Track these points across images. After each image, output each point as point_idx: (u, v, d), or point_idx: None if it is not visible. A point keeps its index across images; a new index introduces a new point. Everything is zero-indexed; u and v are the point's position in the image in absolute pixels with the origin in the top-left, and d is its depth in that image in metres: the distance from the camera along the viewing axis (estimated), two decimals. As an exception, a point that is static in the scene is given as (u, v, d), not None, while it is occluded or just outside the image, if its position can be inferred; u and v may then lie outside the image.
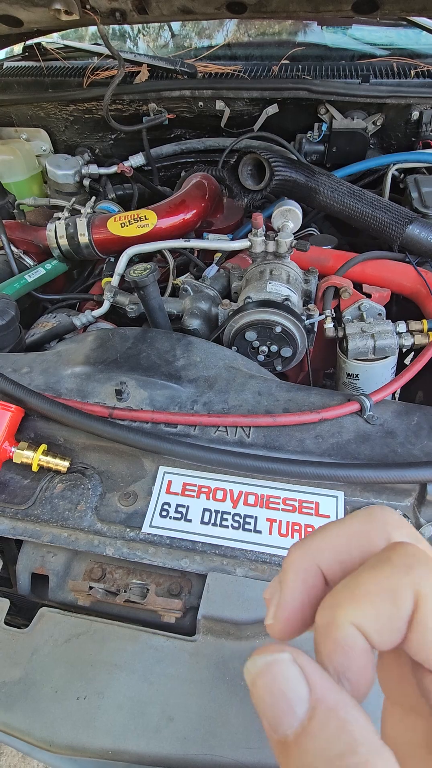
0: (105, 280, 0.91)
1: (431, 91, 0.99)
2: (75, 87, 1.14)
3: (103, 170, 1.14)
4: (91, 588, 0.46)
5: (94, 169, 1.13)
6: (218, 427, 0.55)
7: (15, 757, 1.25)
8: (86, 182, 1.13)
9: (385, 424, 0.55)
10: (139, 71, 1.11)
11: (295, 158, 1.01)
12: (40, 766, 1.20)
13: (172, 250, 0.97)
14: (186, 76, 1.10)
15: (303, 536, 0.49)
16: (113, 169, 1.13)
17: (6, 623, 0.48)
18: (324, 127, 1.05)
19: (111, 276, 0.87)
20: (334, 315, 0.77)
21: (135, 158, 1.15)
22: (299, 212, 0.82)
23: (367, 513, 0.19)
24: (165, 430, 0.55)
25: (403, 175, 1.00)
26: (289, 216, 0.82)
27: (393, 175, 1.00)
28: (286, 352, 0.71)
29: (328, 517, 0.50)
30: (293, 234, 0.78)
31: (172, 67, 1.10)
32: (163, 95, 1.09)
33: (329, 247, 0.90)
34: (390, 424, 0.55)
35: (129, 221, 0.86)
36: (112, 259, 0.96)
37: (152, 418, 0.54)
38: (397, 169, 1.01)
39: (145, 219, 0.86)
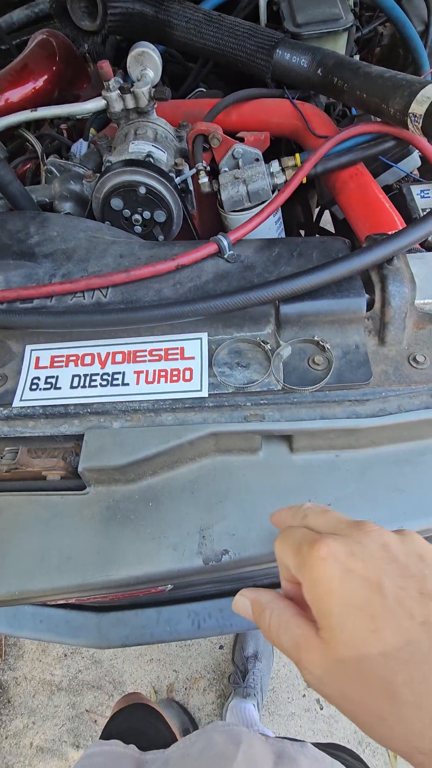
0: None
1: None
2: None
3: None
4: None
5: None
6: (74, 294, 0.53)
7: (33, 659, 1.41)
8: None
9: (246, 260, 0.54)
10: None
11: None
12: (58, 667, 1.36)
13: (39, 136, 0.87)
14: None
15: (168, 381, 0.50)
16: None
17: None
18: None
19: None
20: (208, 169, 0.71)
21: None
22: (156, 56, 0.72)
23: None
24: (21, 307, 0.52)
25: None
26: (145, 61, 0.72)
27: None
28: (160, 216, 0.67)
29: (193, 358, 0.50)
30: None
31: None
32: None
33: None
34: (250, 260, 0.54)
35: (-30, 101, 0.76)
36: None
37: (3, 297, 0.51)
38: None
39: (-13, 95, 0.75)
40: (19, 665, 1.46)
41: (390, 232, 0.48)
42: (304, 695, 1.33)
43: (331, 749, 0.58)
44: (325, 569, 0.25)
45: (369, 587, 0.24)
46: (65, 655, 1.45)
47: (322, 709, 1.30)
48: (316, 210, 0.99)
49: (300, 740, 0.55)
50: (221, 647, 1.41)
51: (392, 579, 0.24)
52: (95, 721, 1.36)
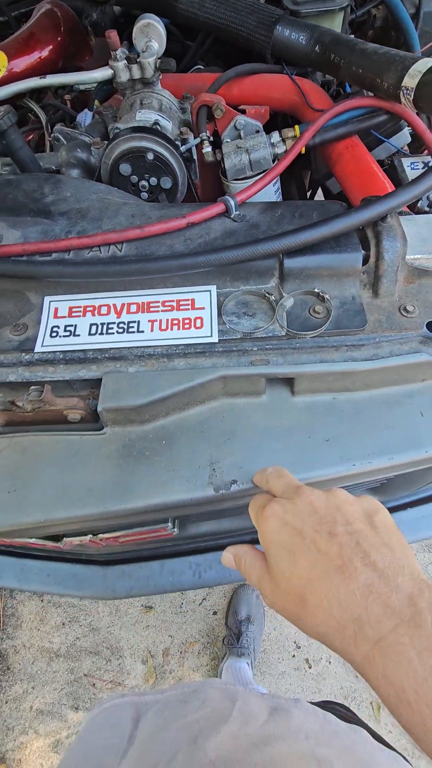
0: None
1: None
2: None
3: None
4: (-4, 405, 0.51)
5: None
6: (91, 249, 0.56)
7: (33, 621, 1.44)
8: None
9: (251, 220, 0.58)
10: None
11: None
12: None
13: (43, 106, 0.89)
14: None
15: (180, 329, 0.54)
16: None
17: None
18: None
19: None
20: (212, 139, 0.75)
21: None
22: (161, 28, 0.75)
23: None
24: (42, 260, 0.55)
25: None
26: (150, 33, 0.75)
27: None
28: (166, 182, 0.71)
29: (203, 308, 0.54)
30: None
31: None
32: None
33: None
34: (255, 219, 0.58)
35: (-23, 68, 0.77)
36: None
37: (23, 250, 0.54)
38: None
39: (-5, 62, 0.77)
40: (17, 634, 1.49)
41: (383, 194, 0.52)
42: (293, 656, 1.40)
43: (325, 703, 0.63)
44: (268, 524, 0.36)
45: (294, 533, 0.34)
46: (63, 624, 1.49)
47: (310, 668, 1.38)
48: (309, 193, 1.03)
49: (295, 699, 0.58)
50: (215, 613, 1.47)
51: (310, 526, 0.34)
52: (93, 684, 1.40)
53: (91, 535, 0.64)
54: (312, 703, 0.58)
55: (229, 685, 0.57)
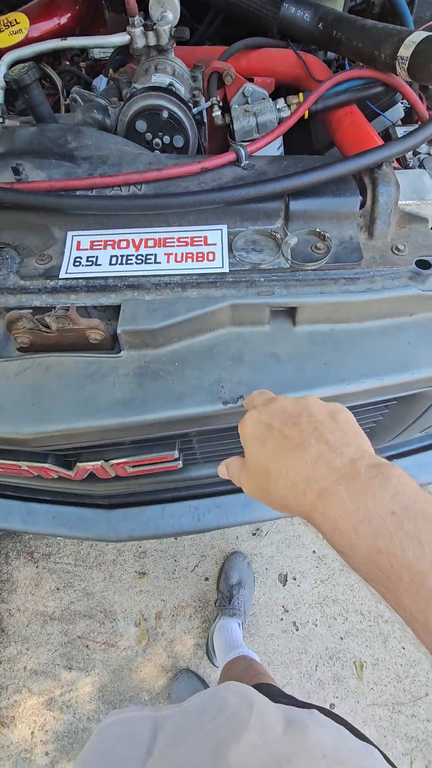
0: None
1: None
2: None
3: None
4: (24, 321, 0.55)
5: None
6: (112, 188, 0.61)
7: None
8: None
9: (260, 169, 0.63)
10: None
11: None
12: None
13: (60, 71, 0.93)
14: None
15: (194, 261, 0.59)
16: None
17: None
18: None
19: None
20: (221, 104, 0.80)
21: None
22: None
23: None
24: (67, 195, 0.60)
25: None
26: (165, 4, 0.80)
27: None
28: (178, 141, 0.76)
29: (215, 244, 0.59)
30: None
31: None
32: None
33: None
34: (263, 168, 0.63)
35: None
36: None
37: (50, 186, 0.59)
38: None
39: (17, 23, 0.82)
40: (12, 598, 1.52)
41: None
42: (281, 619, 1.45)
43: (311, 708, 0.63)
44: (246, 425, 0.40)
45: (265, 427, 0.39)
46: (58, 589, 1.52)
47: (297, 630, 1.43)
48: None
49: (306, 704, 0.57)
50: (206, 579, 1.52)
51: (279, 420, 0.38)
52: (87, 646, 1.44)
53: (102, 461, 0.68)
54: (303, 704, 0.58)
55: (244, 687, 0.57)
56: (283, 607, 1.47)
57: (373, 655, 1.39)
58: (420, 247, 0.59)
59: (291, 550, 1.54)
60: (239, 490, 0.91)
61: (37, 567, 1.56)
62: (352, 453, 0.34)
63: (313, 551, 1.54)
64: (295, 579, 1.50)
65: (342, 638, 1.42)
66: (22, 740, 1.33)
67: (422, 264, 0.57)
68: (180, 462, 0.73)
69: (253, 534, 1.58)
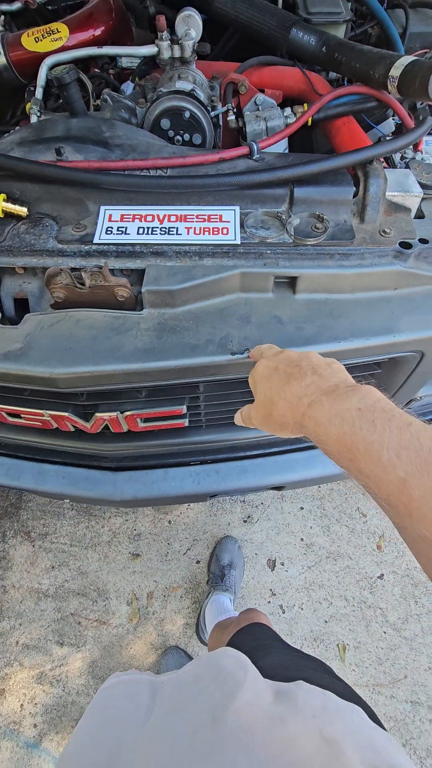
0: (28, 105, 0.98)
1: None
2: None
3: (5, 6, 1.13)
4: (62, 275, 0.63)
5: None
6: (142, 171, 0.71)
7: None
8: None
9: (269, 162, 0.74)
10: None
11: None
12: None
13: (90, 77, 1.04)
14: None
15: (211, 234, 0.68)
16: (16, 5, 1.12)
17: None
18: None
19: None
20: (235, 110, 0.91)
21: (38, -13, 1.14)
22: (199, 19, 0.92)
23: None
24: (103, 172, 0.70)
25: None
26: (189, 22, 0.92)
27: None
28: (197, 139, 0.86)
29: (229, 222, 0.69)
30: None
31: None
32: None
33: (230, 59, 1.01)
34: (271, 162, 0.74)
35: (42, 35, 0.92)
36: (32, 88, 1.02)
37: (89, 165, 0.69)
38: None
39: (58, 32, 0.92)
40: (7, 575, 1.56)
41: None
42: (269, 602, 1.51)
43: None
44: (257, 369, 0.50)
45: (272, 369, 0.48)
46: (53, 567, 1.56)
47: (284, 612, 1.49)
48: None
49: (295, 682, 0.57)
50: (198, 562, 1.57)
51: (284, 364, 0.47)
52: (79, 623, 1.48)
53: (118, 412, 0.76)
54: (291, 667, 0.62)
55: (238, 653, 0.59)
56: (270, 590, 1.52)
57: (356, 638, 1.45)
58: (403, 231, 0.69)
59: (280, 537, 1.61)
60: (237, 458, 0.99)
61: (33, 546, 1.60)
62: (338, 380, 0.43)
63: (301, 539, 1.61)
64: (283, 564, 1.56)
65: (326, 622, 1.47)
66: (11, 712, 1.36)
67: (405, 245, 0.67)
68: (186, 420, 0.81)
69: (245, 521, 1.64)
